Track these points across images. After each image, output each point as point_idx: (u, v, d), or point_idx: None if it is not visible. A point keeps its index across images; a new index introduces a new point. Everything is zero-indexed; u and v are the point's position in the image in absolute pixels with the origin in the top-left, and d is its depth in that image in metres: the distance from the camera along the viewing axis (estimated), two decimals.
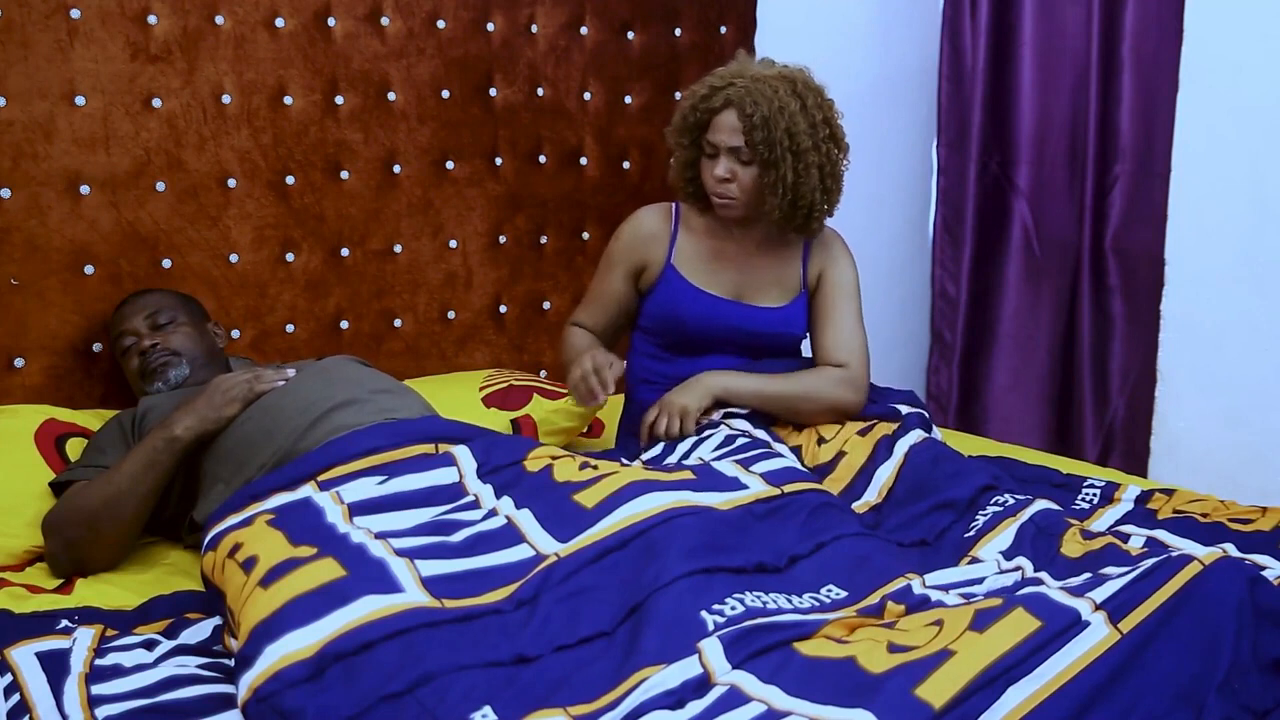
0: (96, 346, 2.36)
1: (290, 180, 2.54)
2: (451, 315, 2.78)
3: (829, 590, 1.57)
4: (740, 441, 2.07)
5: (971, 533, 1.88)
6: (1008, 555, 1.77)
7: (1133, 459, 2.96)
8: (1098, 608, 1.35)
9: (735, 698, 1.26)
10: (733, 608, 1.44)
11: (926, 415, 2.31)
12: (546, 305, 2.90)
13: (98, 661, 1.53)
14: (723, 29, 3.04)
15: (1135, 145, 2.96)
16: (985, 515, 1.90)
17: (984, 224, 3.27)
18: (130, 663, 1.54)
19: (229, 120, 2.46)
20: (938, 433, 2.29)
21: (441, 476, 1.77)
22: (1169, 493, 2.09)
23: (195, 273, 2.46)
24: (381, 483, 1.73)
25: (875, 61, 3.35)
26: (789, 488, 1.80)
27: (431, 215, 2.72)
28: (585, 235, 2.92)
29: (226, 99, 2.45)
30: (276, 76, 2.50)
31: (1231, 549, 1.73)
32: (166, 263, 2.42)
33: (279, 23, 2.49)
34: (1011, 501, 1.93)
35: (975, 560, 1.77)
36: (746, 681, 1.29)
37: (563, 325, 2.47)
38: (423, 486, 1.74)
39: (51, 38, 2.27)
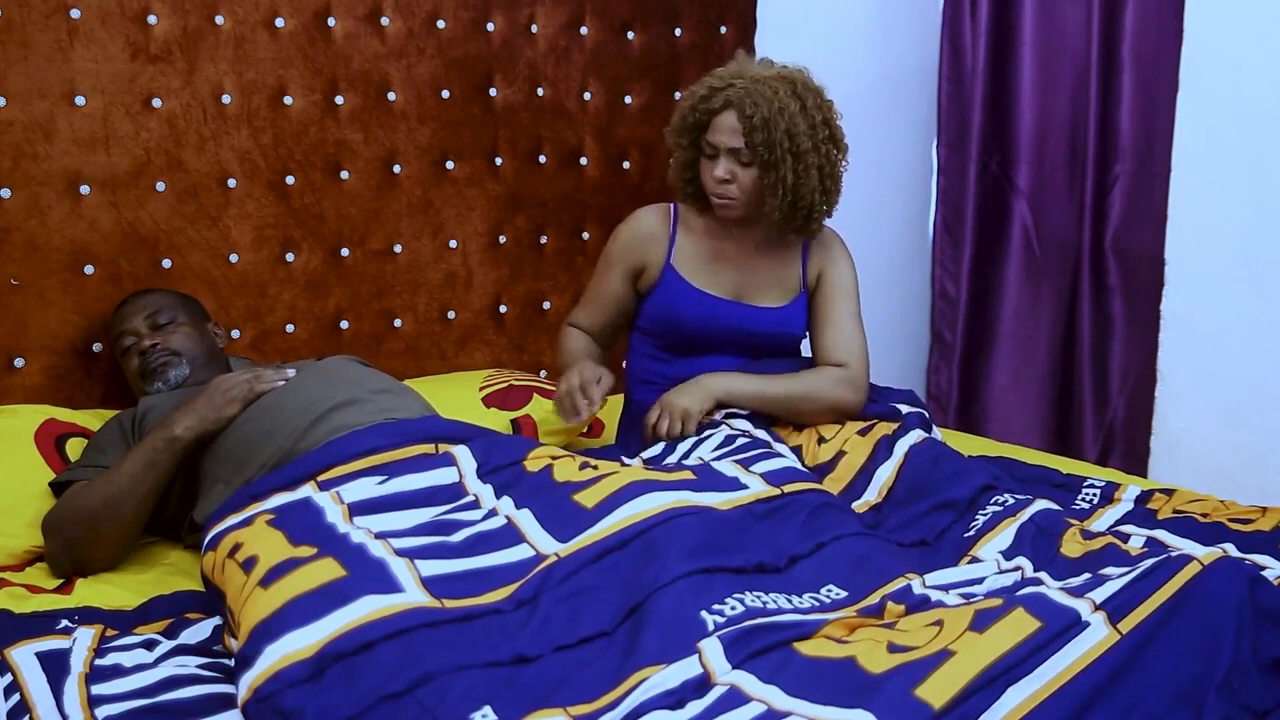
0: (96, 346, 2.36)
1: (290, 180, 2.54)
2: (451, 315, 2.78)
3: (829, 590, 1.57)
4: (740, 441, 2.07)
5: (971, 533, 1.88)
6: (1008, 555, 1.77)
7: (1133, 459, 2.96)
8: (1097, 608, 1.35)
9: (735, 698, 1.26)
10: (733, 608, 1.44)
11: (926, 415, 2.31)
12: (546, 305, 2.90)
13: (98, 661, 1.53)
14: (723, 29, 3.04)
15: (1135, 145, 2.96)
16: (985, 515, 1.90)
17: (984, 224, 3.27)
18: (130, 663, 1.54)
19: (229, 120, 2.46)
20: (938, 433, 2.29)
21: (441, 476, 1.77)
22: (1169, 493, 2.09)
23: (195, 273, 2.46)
24: (381, 483, 1.73)
25: (875, 61, 3.35)
26: (789, 488, 1.80)
27: (431, 215, 2.72)
28: (585, 235, 2.92)
29: (226, 99, 2.45)
30: (276, 76, 2.50)
31: (1231, 549, 1.73)
32: (166, 263, 2.42)
33: (279, 23, 2.49)
34: (1011, 501, 1.93)
35: (975, 560, 1.77)
36: (746, 681, 1.29)
37: (562, 325, 2.47)
38: (423, 486, 1.75)
39: (51, 38, 2.27)
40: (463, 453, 1.82)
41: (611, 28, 2.89)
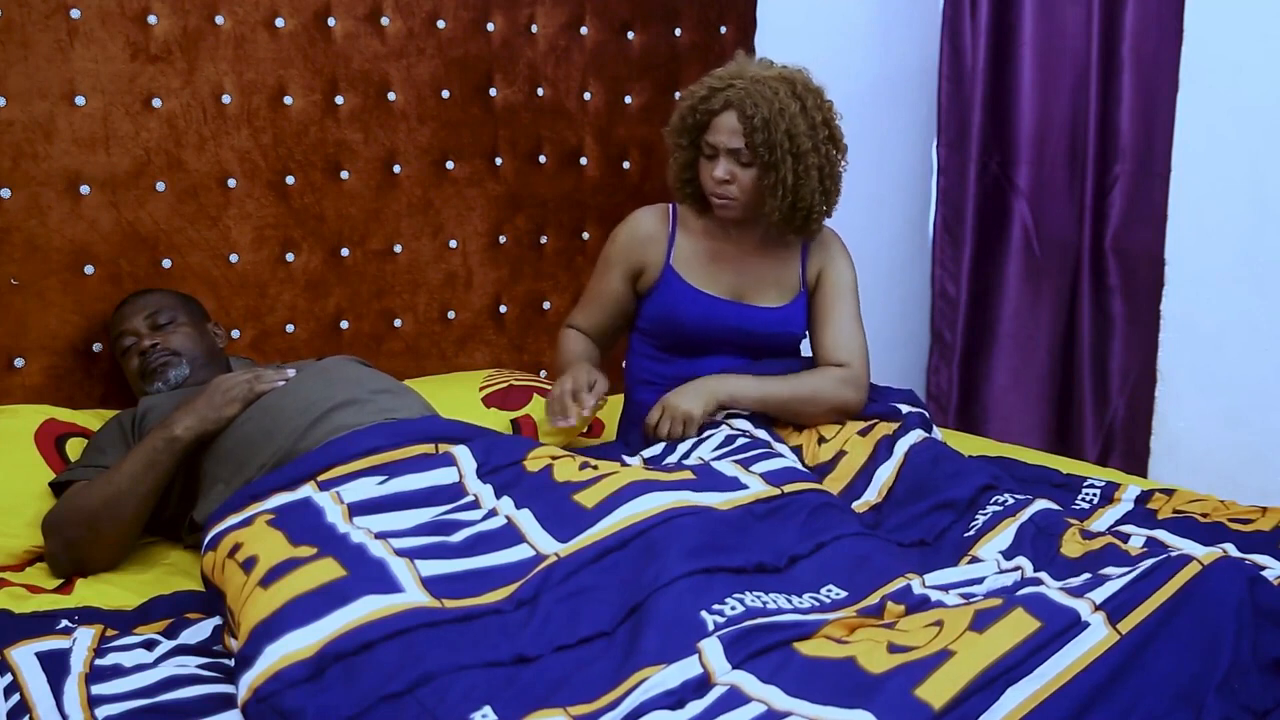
0: (96, 346, 2.36)
1: (290, 180, 2.54)
2: (451, 315, 2.78)
3: (829, 590, 1.57)
4: (740, 441, 2.07)
5: (971, 532, 1.88)
6: (1007, 555, 1.77)
7: (1133, 459, 2.96)
8: (1097, 608, 1.35)
9: (735, 698, 1.26)
10: (733, 608, 1.44)
11: (927, 415, 2.31)
12: (546, 305, 2.90)
13: (98, 661, 1.53)
14: (723, 29, 3.04)
15: (1135, 145, 2.96)
16: (985, 515, 1.90)
17: (984, 224, 3.27)
18: (130, 663, 1.54)
19: (229, 120, 2.46)
20: (938, 432, 2.29)
21: (441, 476, 1.77)
22: (1169, 493, 2.09)
23: (195, 273, 2.46)
24: (381, 483, 1.73)
25: (875, 61, 3.35)
26: (789, 488, 1.80)
27: (431, 215, 2.72)
28: (585, 235, 2.92)
29: (226, 99, 2.45)
30: (276, 76, 2.50)
31: (1231, 549, 1.73)
32: (166, 263, 2.42)
33: (279, 23, 2.49)
34: (1011, 501, 1.93)
35: (975, 560, 1.77)
36: (746, 682, 1.29)
37: (562, 325, 2.46)
38: (423, 486, 1.75)
39: (51, 38, 2.27)
40: (463, 453, 1.82)
41: (611, 28, 2.89)
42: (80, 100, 2.30)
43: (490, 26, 2.73)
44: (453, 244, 2.76)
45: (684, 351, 2.32)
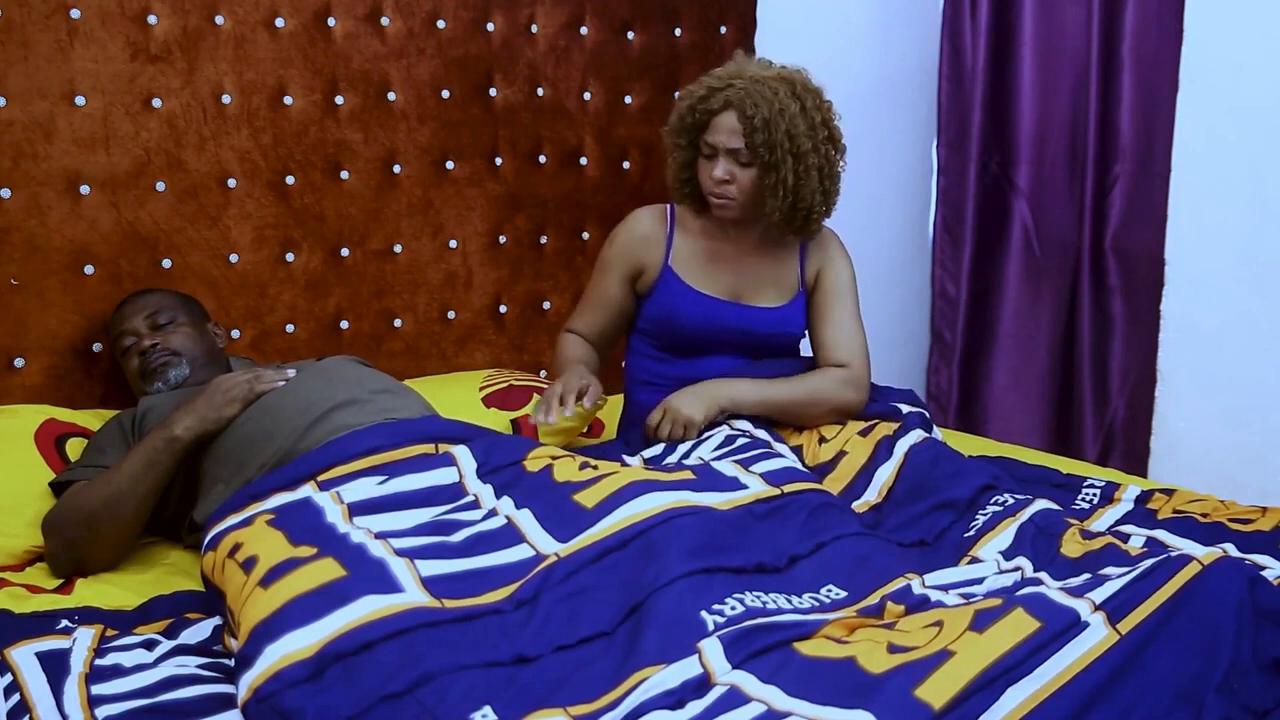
0: (96, 346, 2.36)
1: (290, 180, 2.54)
2: (451, 315, 2.78)
3: (829, 590, 1.57)
4: (740, 441, 2.07)
5: (971, 533, 1.88)
6: (1007, 555, 1.77)
7: (1133, 459, 2.96)
8: (1097, 608, 1.35)
9: (735, 698, 1.26)
10: (733, 608, 1.44)
11: (927, 415, 2.31)
12: (546, 305, 2.90)
13: (98, 661, 1.53)
14: (723, 29, 3.04)
15: (1135, 145, 2.96)
16: (985, 515, 1.90)
17: (984, 224, 3.27)
18: (130, 663, 1.54)
19: (229, 120, 2.46)
20: (938, 432, 2.29)
21: (441, 476, 1.77)
22: (1169, 493, 2.09)
23: (195, 273, 2.46)
24: (381, 483, 1.73)
25: (875, 61, 3.35)
26: (789, 488, 1.80)
27: (431, 215, 2.72)
28: (585, 235, 2.92)
29: (226, 99, 2.45)
30: (276, 76, 2.50)
31: (1231, 549, 1.73)
32: (166, 263, 2.42)
33: (279, 23, 2.49)
34: (1011, 501, 1.93)
35: (975, 560, 1.78)
36: (746, 682, 1.29)
37: (562, 325, 2.46)
38: (423, 486, 1.75)
39: (51, 38, 2.27)
40: (463, 453, 1.82)
41: (611, 28, 2.89)
42: (80, 100, 2.30)
43: (490, 26, 2.73)
44: (453, 244, 2.76)
45: (683, 352, 2.32)
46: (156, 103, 2.38)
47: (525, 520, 1.66)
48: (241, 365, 2.29)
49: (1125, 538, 1.84)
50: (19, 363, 2.30)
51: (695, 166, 2.27)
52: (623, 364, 2.49)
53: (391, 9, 2.61)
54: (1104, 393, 3.08)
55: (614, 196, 2.92)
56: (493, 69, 2.75)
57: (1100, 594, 1.37)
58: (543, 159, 2.84)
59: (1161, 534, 1.87)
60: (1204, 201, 2.71)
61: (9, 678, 1.49)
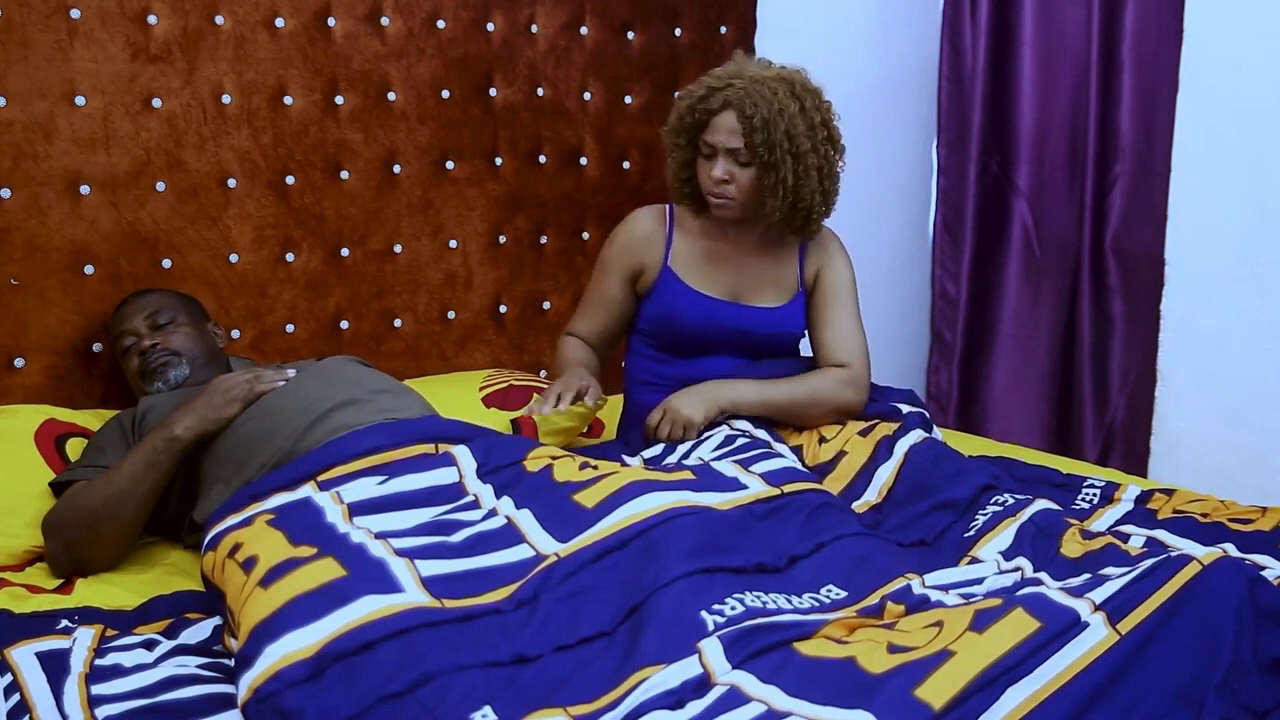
0: (96, 346, 2.36)
1: (290, 180, 2.54)
2: (451, 315, 2.78)
3: (829, 590, 1.57)
4: (740, 441, 2.07)
5: (971, 533, 1.88)
6: (1007, 555, 1.77)
7: (1133, 459, 2.96)
8: (1097, 608, 1.35)
9: (735, 698, 1.26)
10: (733, 608, 1.44)
11: (927, 415, 2.31)
12: (546, 305, 2.90)
13: (98, 661, 1.53)
14: (723, 29, 3.04)
15: (1135, 145, 2.96)
16: (985, 515, 1.90)
17: (984, 224, 3.27)
18: (130, 663, 1.54)
19: (229, 120, 2.46)
20: (938, 432, 2.29)
21: (441, 476, 1.77)
22: (1169, 493, 2.09)
23: (195, 273, 2.46)
24: (381, 483, 1.73)
25: (875, 61, 3.35)
26: (789, 488, 1.80)
27: (431, 215, 2.72)
28: (585, 235, 2.92)
29: (226, 99, 2.45)
30: (276, 76, 2.50)
31: (1231, 549, 1.73)
32: (166, 263, 2.42)
33: (279, 23, 2.49)
34: (1011, 501, 1.93)
35: (975, 560, 1.78)
36: (746, 682, 1.29)
37: (562, 325, 2.46)
38: (423, 486, 1.74)
39: (51, 38, 2.27)
40: (463, 453, 1.82)
41: (611, 28, 2.89)
42: (80, 100, 2.30)
43: (490, 26, 2.73)
44: (453, 244, 2.76)
45: (683, 352, 2.32)
46: (156, 103, 2.38)
47: (525, 520, 1.66)
48: (241, 365, 2.29)
49: (1125, 538, 1.84)
50: (19, 363, 2.30)
51: (695, 166, 2.27)
52: (622, 364, 2.49)
53: (391, 9, 2.61)
54: (1104, 393, 3.08)
55: (614, 196, 2.92)
56: (493, 69, 2.75)
57: (1100, 594, 1.37)
58: (543, 159, 2.84)
59: (1161, 534, 1.87)
60: (1204, 201, 2.71)
61: (9, 678, 1.49)
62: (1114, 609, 1.34)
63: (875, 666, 1.29)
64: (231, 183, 2.48)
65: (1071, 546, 1.77)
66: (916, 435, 2.15)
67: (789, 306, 2.33)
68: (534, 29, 2.79)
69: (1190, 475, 2.58)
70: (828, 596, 1.56)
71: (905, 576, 1.59)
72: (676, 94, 2.81)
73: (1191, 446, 2.77)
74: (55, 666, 1.51)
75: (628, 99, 2.93)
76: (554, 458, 1.85)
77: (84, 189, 2.33)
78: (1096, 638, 1.31)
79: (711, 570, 1.52)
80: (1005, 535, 1.83)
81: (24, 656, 1.53)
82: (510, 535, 1.63)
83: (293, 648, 1.34)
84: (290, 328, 2.58)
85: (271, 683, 1.31)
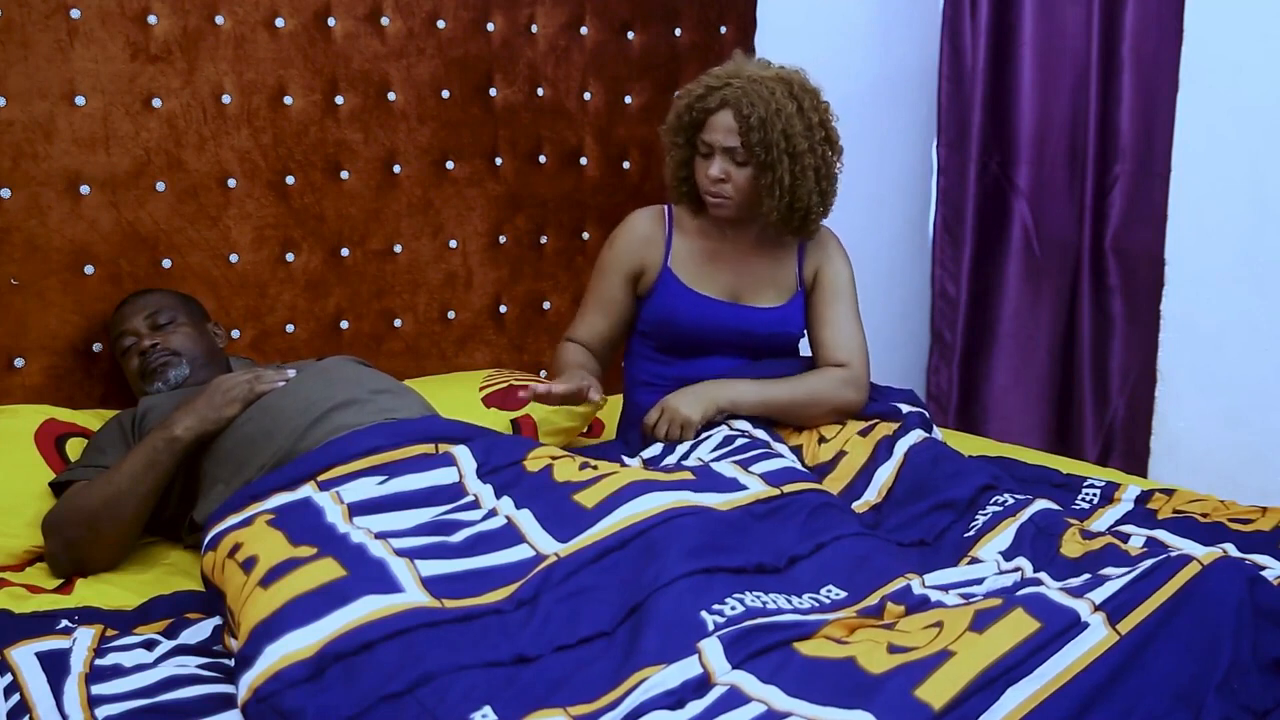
0: (96, 346, 2.36)
1: (290, 180, 2.54)
2: (451, 315, 2.78)
3: (829, 591, 1.57)
4: (740, 442, 2.07)
5: (971, 533, 1.88)
6: (1007, 555, 1.77)
7: (1133, 459, 2.96)
8: (1097, 609, 1.35)
9: (735, 698, 1.26)
10: (733, 608, 1.44)
11: (927, 415, 2.31)
12: (546, 305, 2.90)
13: (98, 661, 1.53)
14: (723, 29, 3.04)
15: (1135, 145, 2.96)
16: (985, 515, 1.90)
17: (984, 224, 3.27)
18: (130, 663, 1.54)
19: (229, 120, 2.46)
20: (938, 432, 2.29)
21: (441, 476, 1.77)
22: (1169, 493, 2.09)
23: (195, 273, 2.46)
24: (381, 483, 1.73)
25: (875, 61, 3.34)
26: (788, 488, 1.80)
27: (431, 215, 2.72)
28: (585, 235, 2.92)
29: (226, 99, 2.45)
30: (276, 76, 2.50)
31: (1231, 549, 1.73)
32: (166, 263, 2.42)
33: (279, 23, 2.49)
34: (1011, 501, 1.93)
35: (975, 560, 1.78)
36: (746, 682, 1.29)
37: (563, 325, 2.46)
38: (423, 486, 1.75)
39: (51, 38, 2.27)
40: (463, 453, 1.82)
41: (611, 28, 2.89)
42: (80, 100, 2.30)
43: (490, 26, 2.73)
44: (453, 244, 2.76)
45: (683, 353, 2.31)
46: (156, 103, 2.38)
47: (525, 520, 1.66)
48: (241, 365, 2.29)
49: (1125, 538, 1.84)
50: (19, 363, 2.30)
51: (693, 165, 2.27)
52: (622, 365, 2.49)
53: (391, 9, 2.61)
54: (1104, 393, 3.08)
55: (614, 196, 2.92)
56: (493, 69, 2.75)
57: (1100, 594, 1.37)
58: (543, 159, 2.84)
59: (1161, 534, 1.87)
60: (1204, 201, 2.71)
61: (9, 678, 1.49)
62: (1114, 609, 1.34)
63: (875, 666, 1.29)
64: (231, 183, 2.48)
65: (1071, 546, 1.77)
66: (916, 435, 2.15)
67: (788, 306, 2.33)
68: (534, 29, 2.79)
69: (1190, 475, 2.58)
70: (828, 597, 1.56)
71: (905, 577, 1.59)
72: (676, 93, 2.82)
73: (1191, 446, 2.77)
74: (55, 666, 1.51)
75: (628, 99, 2.93)
76: (554, 458, 1.85)
77: (84, 189, 2.33)
78: (1096, 638, 1.31)
79: (711, 570, 1.52)
80: (1005, 535, 1.83)
81: (24, 656, 1.53)
82: (510, 535, 1.63)
83: (293, 648, 1.34)
84: (290, 328, 2.58)
85: (271, 683, 1.32)
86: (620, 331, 2.38)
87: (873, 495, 2.04)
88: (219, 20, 2.42)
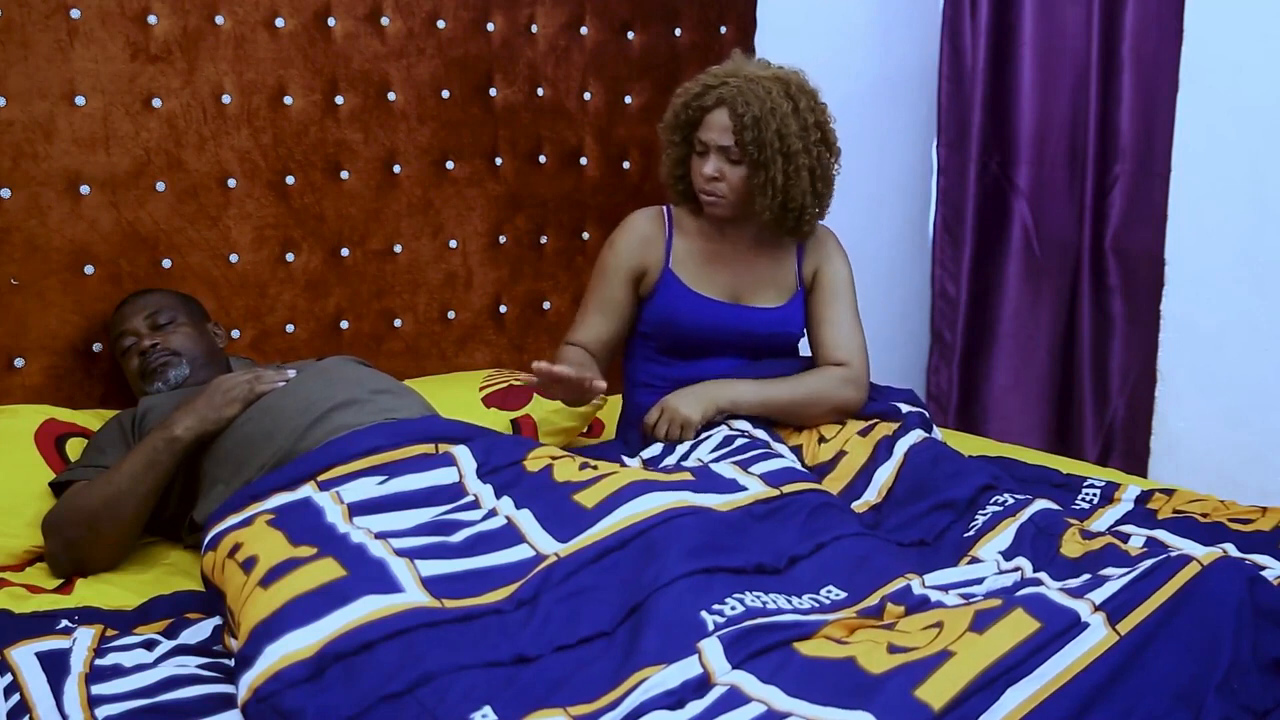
0: (96, 346, 2.36)
1: (290, 180, 2.54)
2: (451, 315, 2.78)
3: (829, 591, 1.57)
4: (739, 442, 2.07)
5: (971, 533, 1.88)
6: (1007, 555, 1.77)
7: (1133, 459, 2.96)
8: (1097, 609, 1.35)
9: (735, 698, 1.26)
10: (733, 608, 1.44)
11: (927, 415, 2.31)
12: (546, 305, 2.90)
13: (98, 661, 1.53)
14: (723, 29, 3.04)
15: (1135, 145, 2.96)
16: (985, 515, 1.90)
17: (984, 224, 3.27)
18: (130, 663, 1.54)
19: (229, 120, 2.46)
20: (938, 432, 2.29)
21: (441, 476, 1.77)
22: (1169, 493, 2.09)
23: (195, 273, 2.46)
24: (381, 483, 1.73)
25: (875, 61, 3.34)
26: (788, 488, 1.80)
27: (431, 215, 2.72)
28: (585, 235, 2.92)
29: (226, 99, 2.45)
30: (276, 76, 2.50)
31: (1231, 549, 1.73)
32: (166, 263, 2.42)
33: (279, 23, 2.49)
34: (1011, 501, 1.93)
35: (975, 560, 1.78)
36: (746, 682, 1.29)
37: (563, 325, 2.46)
38: (423, 486, 1.75)
39: (51, 38, 2.27)
40: (463, 453, 1.82)
41: (611, 28, 2.89)
42: (80, 100, 2.30)
43: (490, 26, 2.73)
44: (453, 244, 2.76)
45: (683, 354, 2.31)
46: (156, 103, 2.38)
47: (525, 520, 1.66)
48: (241, 365, 2.29)
49: (1125, 538, 1.84)
50: (19, 363, 2.30)
51: (689, 164, 2.27)
52: (622, 365, 2.49)
53: (391, 9, 2.61)
54: (1104, 393, 3.08)
55: (614, 196, 2.92)
56: (493, 69, 2.75)
57: (1100, 594, 1.37)
58: (543, 159, 2.84)
59: (1161, 534, 1.87)
60: (1204, 201, 2.71)
61: (9, 678, 1.49)
62: (1114, 609, 1.34)
63: (875, 667, 1.29)
64: (231, 183, 2.48)
65: (1071, 546, 1.77)
66: (916, 435, 2.15)
67: (788, 306, 2.33)
68: (534, 29, 2.79)
69: (1190, 475, 2.58)
70: (828, 597, 1.56)
71: (905, 577, 1.59)
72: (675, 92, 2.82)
73: (1191, 446, 2.77)
74: (55, 666, 1.51)
75: (628, 99, 2.93)
76: (554, 458, 1.85)
77: (84, 189, 2.33)
78: (1096, 638, 1.31)
79: (711, 570, 1.52)
80: (1005, 535, 1.83)
81: (24, 656, 1.53)
82: (510, 535, 1.63)
83: (293, 648, 1.34)
84: (290, 328, 2.58)
85: (271, 683, 1.32)
86: (622, 334, 2.36)
87: (873, 495, 2.04)
88: (219, 20, 2.42)
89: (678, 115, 2.26)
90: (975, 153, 3.22)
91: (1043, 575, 1.63)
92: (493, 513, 1.69)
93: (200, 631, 1.65)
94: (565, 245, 2.90)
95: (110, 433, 2.07)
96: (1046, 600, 1.38)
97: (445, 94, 2.70)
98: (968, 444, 2.49)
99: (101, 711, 1.41)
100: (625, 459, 2.03)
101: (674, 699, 1.27)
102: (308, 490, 1.71)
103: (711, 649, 1.33)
